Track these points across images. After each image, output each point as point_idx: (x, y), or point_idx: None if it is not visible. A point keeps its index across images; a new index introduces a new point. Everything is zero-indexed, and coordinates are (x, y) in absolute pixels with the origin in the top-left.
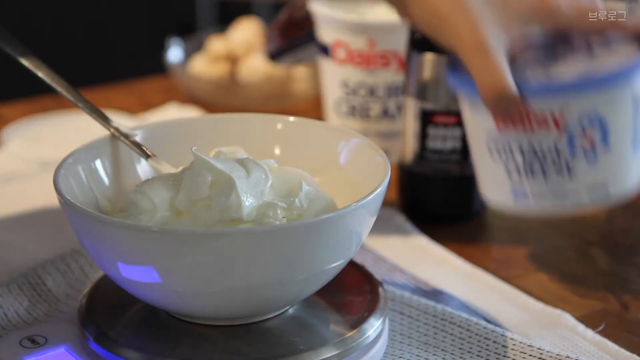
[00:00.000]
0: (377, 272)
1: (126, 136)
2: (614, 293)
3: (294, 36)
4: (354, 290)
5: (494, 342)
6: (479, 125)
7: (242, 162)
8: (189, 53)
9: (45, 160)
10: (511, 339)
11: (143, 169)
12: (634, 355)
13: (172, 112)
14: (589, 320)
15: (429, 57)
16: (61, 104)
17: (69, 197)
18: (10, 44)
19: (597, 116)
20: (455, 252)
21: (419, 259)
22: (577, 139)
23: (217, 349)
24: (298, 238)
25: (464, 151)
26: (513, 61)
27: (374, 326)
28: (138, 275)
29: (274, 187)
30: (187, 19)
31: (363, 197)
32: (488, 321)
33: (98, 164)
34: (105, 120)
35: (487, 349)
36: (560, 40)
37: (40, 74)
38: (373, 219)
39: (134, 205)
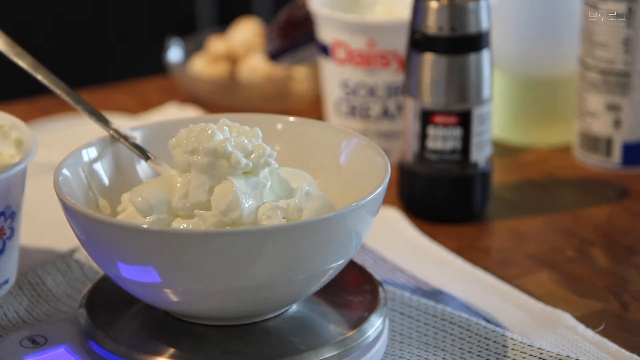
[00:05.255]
0: (377, 272)
1: (126, 138)
2: (614, 293)
3: (294, 36)
4: (354, 290)
5: (494, 342)
6: None
7: None
8: (189, 53)
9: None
10: (511, 339)
11: (143, 169)
12: (634, 355)
13: (172, 112)
14: (589, 320)
15: (429, 57)
16: (61, 105)
17: (69, 198)
18: (8, 45)
19: None
20: (455, 252)
21: (419, 259)
22: None
23: (217, 349)
24: (298, 238)
25: (464, 151)
26: None
27: (374, 326)
28: (138, 275)
29: (273, 187)
30: (187, 19)
31: (363, 197)
32: (488, 321)
33: (98, 164)
34: (104, 122)
35: (487, 349)
36: None
37: (38, 76)
38: (373, 219)
39: (132, 207)
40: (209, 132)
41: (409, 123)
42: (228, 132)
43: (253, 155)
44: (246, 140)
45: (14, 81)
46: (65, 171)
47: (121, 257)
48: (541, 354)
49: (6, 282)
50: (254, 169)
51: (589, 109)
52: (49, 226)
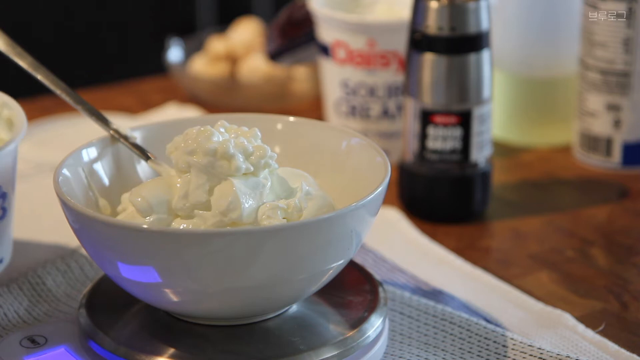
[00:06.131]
0: (377, 272)
1: (126, 138)
2: (614, 293)
3: (294, 36)
4: (354, 290)
5: (494, 342)
6: None
7: None
8: (189, 53)
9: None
10: (511, 339)
11: (143, 169)
12: (634, 355)
13: (172, 112)
14: (589, 320)
15: (429, 57)
16: (61, 105)
17: (69, 198)
18: (8, 45)
19: None
20: (455, 252)
21: (419, 259)
22: None
23: (217, 349)
24: (298, 238)
25: (464, 151)
26: None
27: (374, 326)
28: (138, 275)
29: (273, 187)
30: (187, 19)
31: (363, 197)
32: (488, 321)
33: (98, 164)
34: (104, 122)
35: (487, 349)
36: None
37: (39, 76)
38: (373, 219)
39: (132, 207)
40: (208, 132)
41: (409, 123)
42: (226, 133)
43: (253, 156)
44: (246, 142)
45: (14, 81)
46: (65, 171)
47: (121, 257)
48: (541, 354)
49: (0, 261)
50: (254, 170)
51: (589, 109)
52: (49, 226)
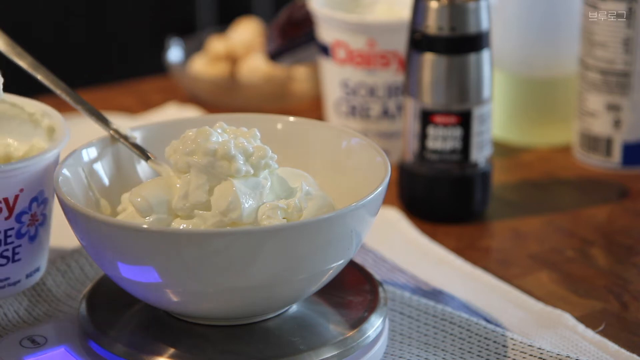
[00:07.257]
0: (377, 272)
1: (126, 138)
2: (614, 293)
3: (294, 36)
4: (354, 290)
5: (494, 342)
6: None
7: None
8: (189, 53)
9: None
10: (511, 339)
11: (143, 169)
12: (634, 355)
13: (172, 112)
14: (589, 320)
15: (429, 57)
16: (61, 105)
17: (69, 198)
18: (8, 45)
19: None
20: (455, 252)
21: (419, 259)
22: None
23: (217, 349)
24: (298, 238)
25: (464, 151)
26: None
27: (374, 326)
28: (138, 275)
29: (273, 187)
30: (187, 19)
31: (363, 197)
32: (488, 321)
33: (98, 164)
34: (104, 122)
35: (487, 349)
36: None
37: (38, 76)
38: (373, 219)
39: (132, 208)
40: (206, 133)
41: (409, 123)
42: (224, 134)
43: (254, 156)
44: (246, 142)
45: (14, 81)
46: (65, 171)
47: (121, 257)
48: (541, 354)
49: (37, 270)
50: (254, 172)
51: (589, 109)
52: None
